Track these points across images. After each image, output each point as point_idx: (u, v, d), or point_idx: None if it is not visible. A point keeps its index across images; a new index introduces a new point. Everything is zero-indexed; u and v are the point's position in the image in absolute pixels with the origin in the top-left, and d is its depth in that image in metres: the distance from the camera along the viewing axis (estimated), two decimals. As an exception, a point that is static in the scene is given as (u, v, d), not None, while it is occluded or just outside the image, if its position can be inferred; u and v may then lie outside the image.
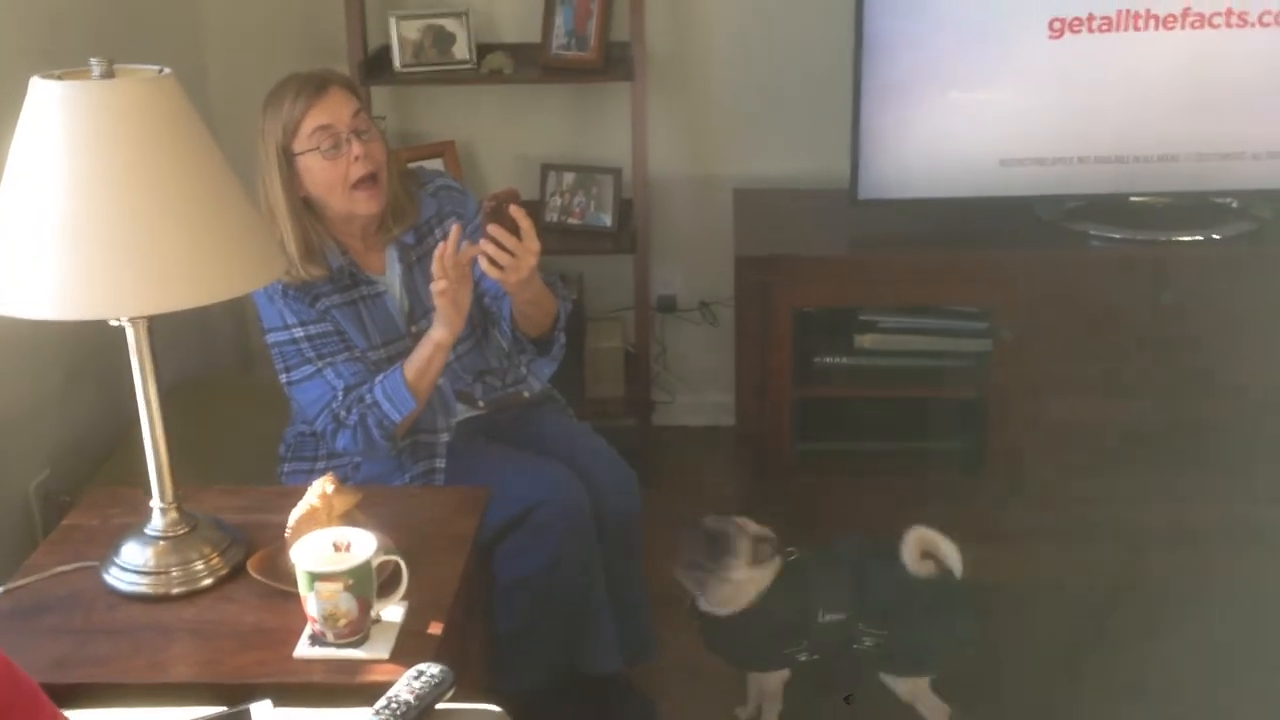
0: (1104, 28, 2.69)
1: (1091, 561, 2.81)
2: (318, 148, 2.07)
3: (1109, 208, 2.90)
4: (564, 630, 2.25)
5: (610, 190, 3.18)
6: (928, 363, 2.95)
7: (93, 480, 2.29)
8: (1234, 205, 2.93)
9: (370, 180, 2.11)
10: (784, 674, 2.30)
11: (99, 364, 2.44)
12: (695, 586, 2.22)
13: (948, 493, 2.90)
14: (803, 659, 2.24)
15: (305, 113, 2.06)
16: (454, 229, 2.01)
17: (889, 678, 2.26)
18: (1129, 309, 2.77)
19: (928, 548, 2.17)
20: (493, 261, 1.99)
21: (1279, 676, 2.45)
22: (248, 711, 1.49)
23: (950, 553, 2.16)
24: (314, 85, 2.07)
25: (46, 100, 1.55)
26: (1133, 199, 2.91)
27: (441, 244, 2.00)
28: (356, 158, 2.08)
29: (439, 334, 2.06)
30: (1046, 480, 2.89)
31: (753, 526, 2.21)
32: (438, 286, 2.01)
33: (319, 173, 2.08)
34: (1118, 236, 2.83)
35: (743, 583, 2.19)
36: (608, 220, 3.19)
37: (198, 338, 3.05)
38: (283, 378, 2.16)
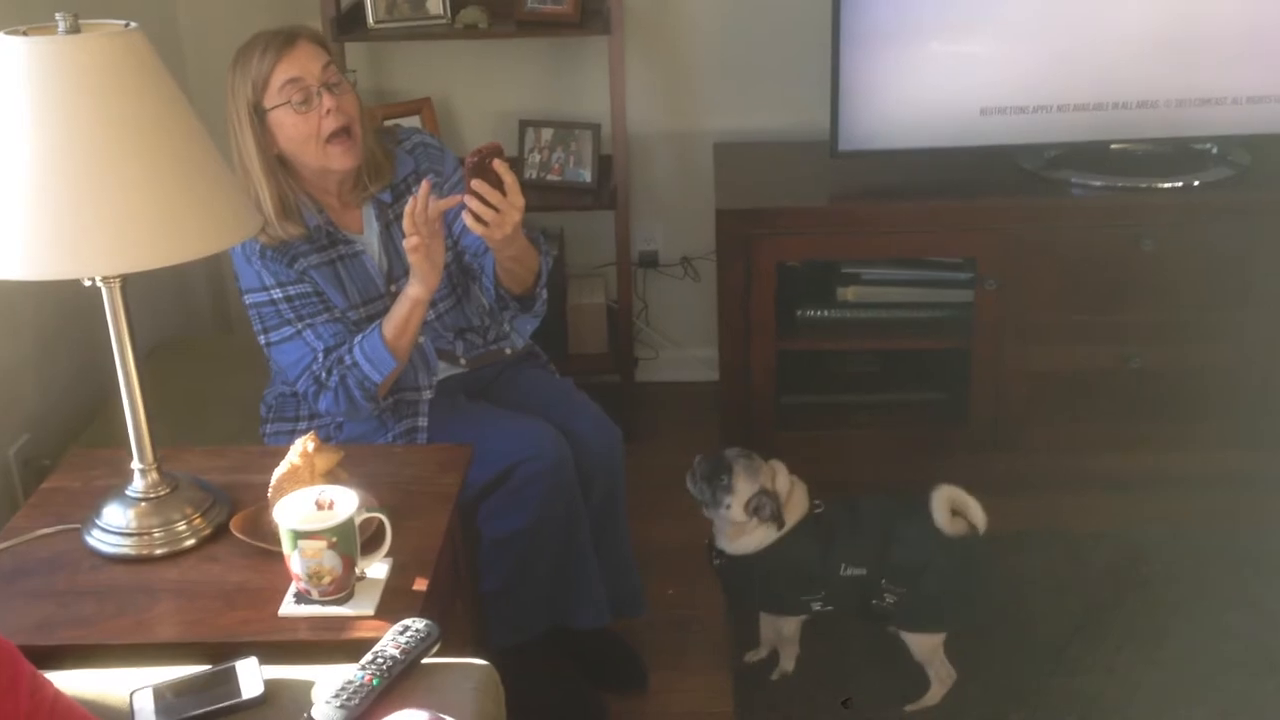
0: (1083, -27, 2.67)
1: (1075, 510, 2.82)
2: (288, 101, 2.04)
3: (1089, 155, 2.89)
4: (550, 586, 2.25)
5: (589, 146, 3.16)
6: (910, 314, 2.95)
7: (74, 445, 2.28)
8: (1213, 151, 2.93)
9: (344, 134, 2.09)
10: (800, 618, 2.32)
11: (76, 327, 2.42)
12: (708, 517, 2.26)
13: (931, 443, 2.92)
14: (817, 608, 2.26)
15: (274, 67, 2.04)
16: (424, 184, 2.00)
17: (906, 634, 2.27)
18: (1111, 256, 2.77)
19: (956, 505, 2.18)
20: (477, 218, 1.97)
21: (1262, 619, 2.47)
22: (233, 669, 1.49)
23: (975, 510, 2.18)
24: (281, 39, 2.05)
25: (12, 57, 1.53)
26: (1113, 146, 2.91)
27: (412, 199, 1.98)
28: (328, 111, 2.06)
29: (415, 290, 2.05)
30: (1030, 429, 2.90)
31: (770, 475, 2.21)
32: (410, 243, 1.99)
33: (291, 128, 2.06)
34: (1098, 184, 2.82)
35: (744, 525, 2.20)
36: (587, 176, 3.16)
37: (175, 299, 3.03)
38: (262, 339, 2.14)
